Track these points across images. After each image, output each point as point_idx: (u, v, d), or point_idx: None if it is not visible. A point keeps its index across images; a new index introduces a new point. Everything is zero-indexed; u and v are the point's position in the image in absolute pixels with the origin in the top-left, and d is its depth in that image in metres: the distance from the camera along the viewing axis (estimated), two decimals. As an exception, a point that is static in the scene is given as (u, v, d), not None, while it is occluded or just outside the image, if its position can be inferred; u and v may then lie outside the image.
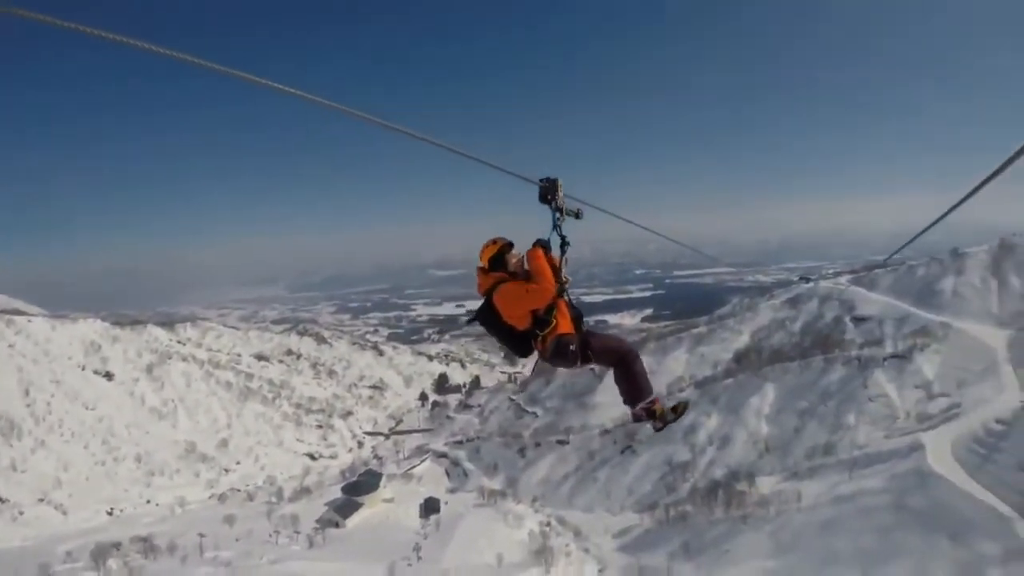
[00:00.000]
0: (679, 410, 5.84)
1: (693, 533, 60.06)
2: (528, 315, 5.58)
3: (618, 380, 5.89)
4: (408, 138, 4.78)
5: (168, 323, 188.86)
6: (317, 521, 69.82)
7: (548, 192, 5.51)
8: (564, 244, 5.60)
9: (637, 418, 5.80)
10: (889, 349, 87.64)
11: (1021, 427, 54.60)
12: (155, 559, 55.30)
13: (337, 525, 70.43)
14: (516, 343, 5.81)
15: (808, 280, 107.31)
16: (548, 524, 70.24)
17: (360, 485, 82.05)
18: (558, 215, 5.56)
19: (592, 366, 5.96)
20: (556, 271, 5.59)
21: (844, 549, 46.49)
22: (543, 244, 5.64)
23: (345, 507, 74.64)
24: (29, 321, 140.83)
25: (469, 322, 6.08)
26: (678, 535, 61.04)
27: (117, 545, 57.07)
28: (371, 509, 76.60)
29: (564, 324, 5.67)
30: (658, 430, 5.98)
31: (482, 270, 5.92)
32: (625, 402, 5.87)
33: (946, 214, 6.41)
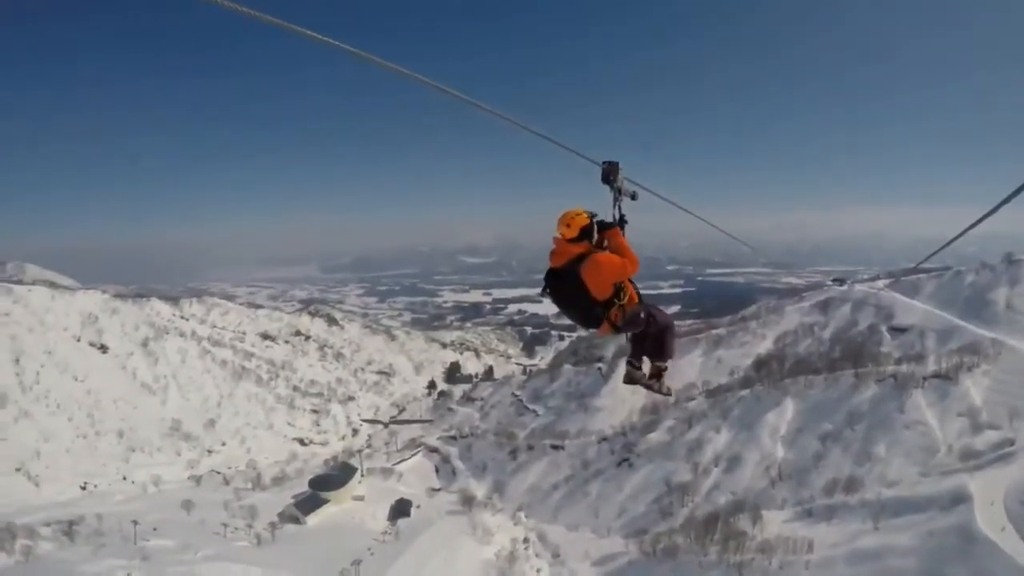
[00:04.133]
0: (666, 391, 7.02)
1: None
2: (612, 285, 5.85)
3: (652, 342, 6.51)
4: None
5: (174, 298, 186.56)
6: (279, 515, 65.91)
7: (610, 174, 5.93)
8: (623, 223, 6.16)
9: (636, 378, 6.77)
10: (931, 367, 76.04)
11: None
12: (70, 544, 51.54)
13: (298, 521, 66.50)
14: (591, 313, 5.94)
15: (842, 283, 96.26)
16: (526, 540, 65.65)
17: (330, 479, 77.92)
18: (617, 195, 6.06)
19: (650, 331, 6.38)
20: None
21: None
22: (619, 224, 6.14)
23: (308, 503, 70.49)
24: (29, 290, 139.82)
25: (541, 293, 6.10)
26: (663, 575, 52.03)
27: (48, 523, 54.93)
28: (338, 506, 71.90)
29: (634, 294, 6.13)
30: (646, 385, 6.83)
31: (565, 239, 5.92)
32: (652, 356, 6.65)
33: (984, 217, 6.36)
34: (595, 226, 5.94)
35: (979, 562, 38.16)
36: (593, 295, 5.79)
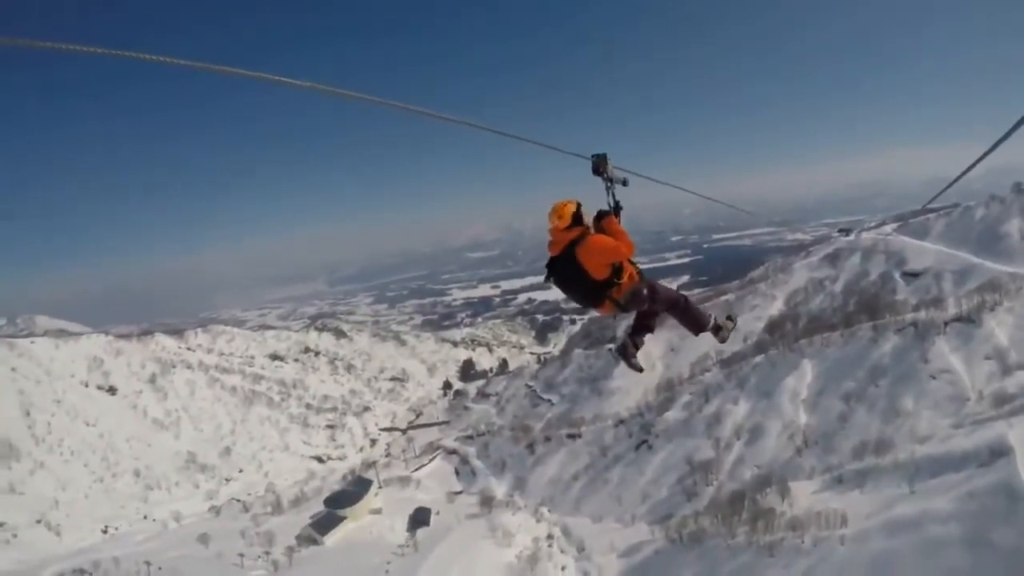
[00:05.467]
0: (733, 318, 7.36)
1: (708, 563, 48.22)
2: (609, 266, 6.07)
3: (680, 321, 6.92)
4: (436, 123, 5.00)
5: (179, 331, 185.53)
6: (297, 538, 65.42)
7: (600, 165, 6.32)
8: (619, 209, 6.53)
9: (630, 358, 6.92)
10: (951, 311, 72.26)
11: None
12: None
13: (316, 542, 65.61)
14: (592, 293, 6.20)
15: (848, 232, 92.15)
16: (550, 537, 64.17)
17: (345, 496, 76.24)
18: (609, 184, 6.43)
19: (656, 309, 6.65)
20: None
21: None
22: (612, 211, 6.53)
23: (325, 522, 69.24)
24: (32, 343, 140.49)
25: (546, 280, 6.39)
26: (690, 565, 49.35)
27: (63, 573, 55.93)
28: (356, 522, 70.52)
29: (634, 274, 6.31)
30: (723, 340, 7.10)
31: (559, 229, 6.24)
32: (692, 331, 7.05)
33: (986, 154, 6.51)
34: (582, 212, 6.23)
35: (1029, 522, 34.83)
36: (592, 275, 6.08)
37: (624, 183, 6.47)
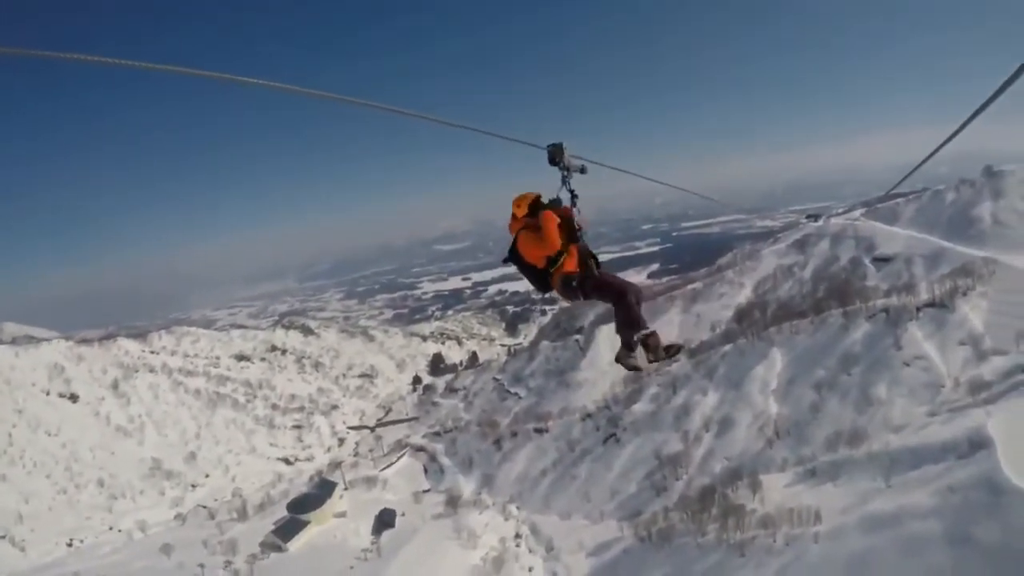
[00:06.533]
0: (672, 351, 6.29)
1: (678, 563, 46.14)
2: (544, 257, 6.48)
3: (615, 315, 6.39)
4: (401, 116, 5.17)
5: (141, 334, 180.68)
6: (260, 545, 63.74)
7: (556, 155, 6.25)
8: (574, 197, 6.50)
9: (630, 366, 6.28)
10: (923, 296, 71.07)
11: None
12: None
13: (279, 549, 63.78)
14: (537, 279, 6.69)
15: (816, 218, 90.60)
16: (517, 536, 63.45)
17: (309, 500, 73.90)
18: (566, 173, 6.39)
19: (594, 300, 6.49)
20: (570, 221, 6.49)
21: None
22: (553, 204, 6.58)
23: (288, 528, 67.22)
24: None
25: (504, 261, 6.81)
26: (659, 565, 47.17)
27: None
28: (320, 526, 68.60)
29: (570, 264, 6.49)
30: (650, 362, 6.39)
31: (515, 218, 6.79)
32: (618, 332, 6.28)
33: (951, 137, 6.51)
34: (539, 204, 6.70)
35: (1011, 517, 32.79)
36: (531, 262, 6.64)
37: (582, 171, 6.48)
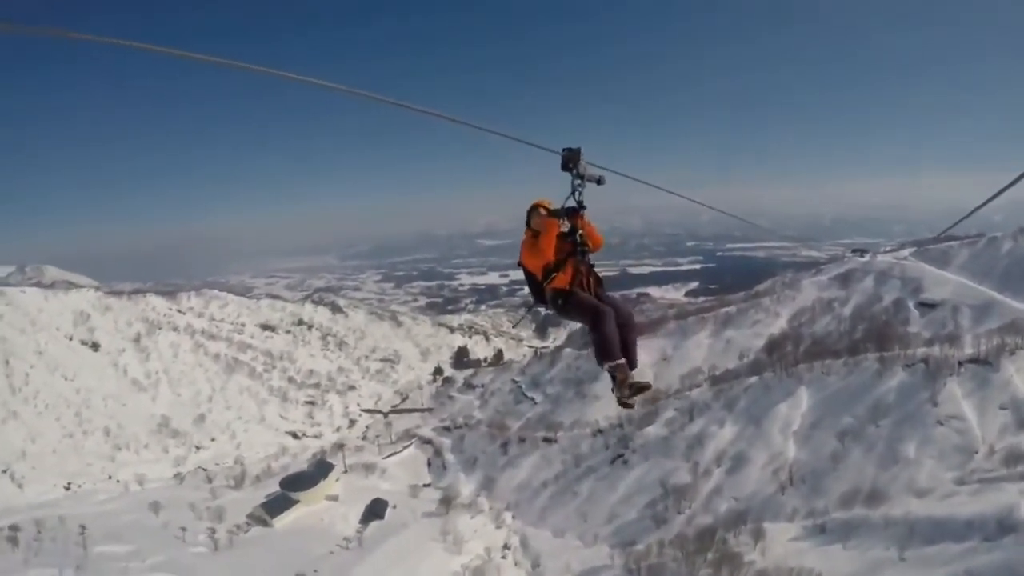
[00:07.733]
0: (635, 388, 5.96)
1: (662, 606, 43.29)
2: (540, 267, 6.29)
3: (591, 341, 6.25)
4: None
5: (172, 292, 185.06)
6: (247, 516, 63.75)
7: (570, 161, 5.86)
8: (581, 209, 6.12)
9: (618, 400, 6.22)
10: (967, 350, 66.08)
11: None
12: (11, 551, 48.99)
13: (265, 523, 63.86)
14: (534, 288, 6.54)
15: (863, 253, 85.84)
16: (506, 547, 62.04)
17: (303, 478, 74.27)
18: (579, 182, 6.01)
19: (576, 320, 6.39)
20: (576, 234, 6.21)
21: None
22: (556, 214, 6.31)
23: (277, 504, 67.17)
24: (22, 292, 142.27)
25: (518, 264, 6.64)
26: (643, 604, 44.50)
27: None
28: (309, 507, 68.03)
29: (560, 280, 6.24)
30: (618, 399, 6.22)
31: (527, 221, 6.68)
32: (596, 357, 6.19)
33: (1015, 181, 6.30)
34: (530, 214, 6.61)
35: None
36: (531, 271, 6.49)
37: (599, 182, 6.09)
